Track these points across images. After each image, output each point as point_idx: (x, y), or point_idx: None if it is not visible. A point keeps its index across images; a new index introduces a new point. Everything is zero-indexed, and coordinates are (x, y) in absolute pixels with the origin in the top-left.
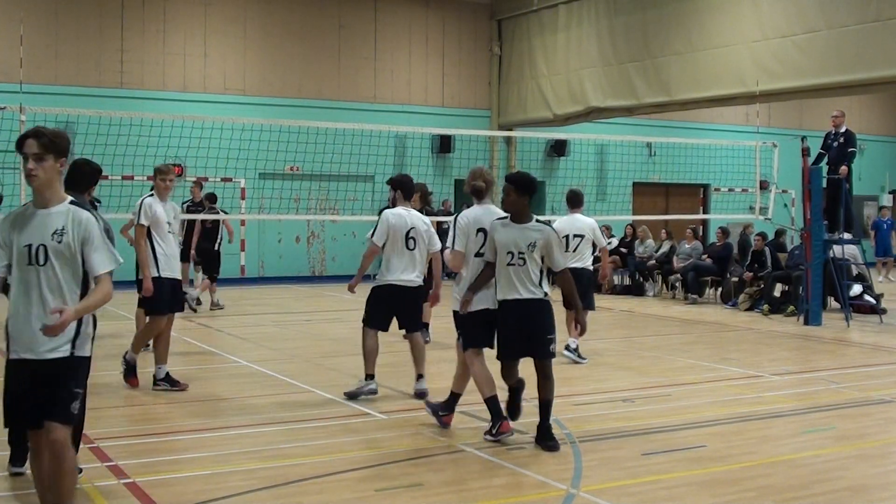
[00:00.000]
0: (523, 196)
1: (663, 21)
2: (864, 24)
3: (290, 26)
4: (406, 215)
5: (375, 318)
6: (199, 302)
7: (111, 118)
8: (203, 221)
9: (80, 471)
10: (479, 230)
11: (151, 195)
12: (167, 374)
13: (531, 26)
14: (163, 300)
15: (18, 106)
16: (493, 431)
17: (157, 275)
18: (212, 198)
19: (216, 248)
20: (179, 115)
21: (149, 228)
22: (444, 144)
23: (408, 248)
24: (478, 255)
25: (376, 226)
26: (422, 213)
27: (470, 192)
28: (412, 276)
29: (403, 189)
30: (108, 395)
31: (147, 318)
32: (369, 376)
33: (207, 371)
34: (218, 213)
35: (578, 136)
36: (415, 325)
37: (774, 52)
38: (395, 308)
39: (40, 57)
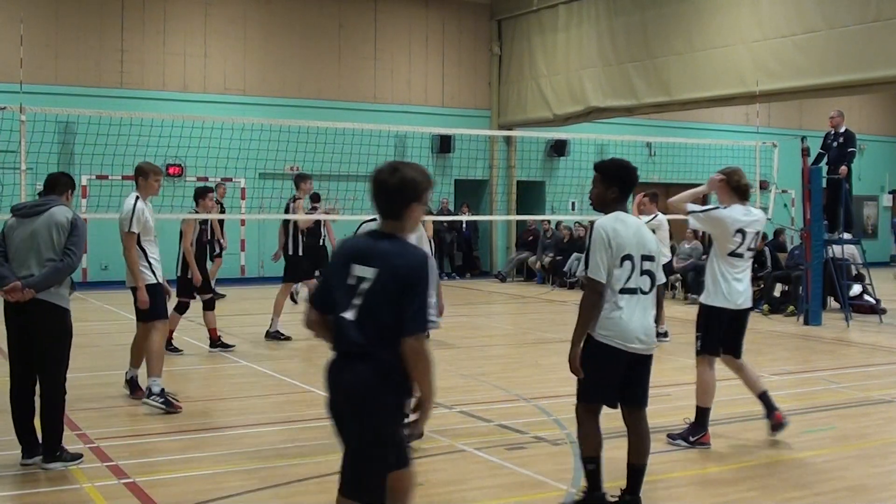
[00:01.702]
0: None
1: (663, 21)
2: (864, 24)
3: (290, 26)
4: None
5: None
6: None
7: (111, 118)
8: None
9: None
10: (737, 231)
11: (138, 197)
12: (163, 390)
13: (531, 26)
14: (164, 304)
15: (18, 106)
16: (692, 439)
17: (155, 281)
18: (315, 197)
19: (321, 244)
20: (179, 115)
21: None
22: (444, 144)
23: None
24: (733, 254)
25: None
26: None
27: (734, 189)
28: None
29: None
30: (108, 395)
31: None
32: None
33: (207, 371)
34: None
35: (578, 136)
36: None
37: (774, 52)
38: None
39: (40, 57)
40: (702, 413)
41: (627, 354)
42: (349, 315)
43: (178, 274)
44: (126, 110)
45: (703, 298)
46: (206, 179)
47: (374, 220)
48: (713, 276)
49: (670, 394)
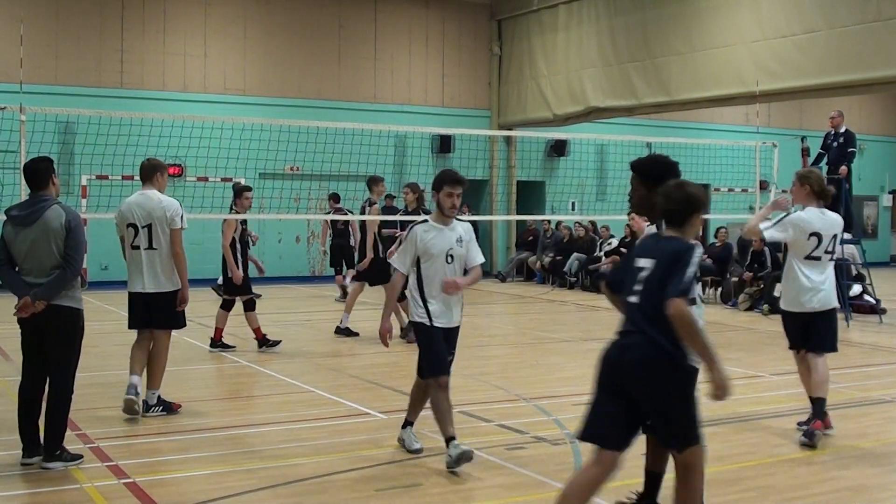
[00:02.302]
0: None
1: (663, 21)
2: (864, 24)
3: (290, 26)
4: None
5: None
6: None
7: (111, 118)
8: (335, 222)
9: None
10: (812, 234)
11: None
12: (159, 397)
13: (531, 26)
14: (183, 311)
15: (18, 106)
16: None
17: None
18: (336, 198)
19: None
20: (179, 115)
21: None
22: (444, 144)
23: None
24: (810, 257)
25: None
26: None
27: (817, 192)
28: None
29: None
30: (108, 395)
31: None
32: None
33: (207, 371)
34: (345, 213)
35: (578, 136)
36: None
37: (774, 52)
38: None
39: (40, 57)
40: (814, 402)
41: None
42: (633, 299)
43: (228, 274)
44: (126, 110)
45: (780, 302)
46: (206, 179)
47: (424, 220)
48: (787, 279)
49: None
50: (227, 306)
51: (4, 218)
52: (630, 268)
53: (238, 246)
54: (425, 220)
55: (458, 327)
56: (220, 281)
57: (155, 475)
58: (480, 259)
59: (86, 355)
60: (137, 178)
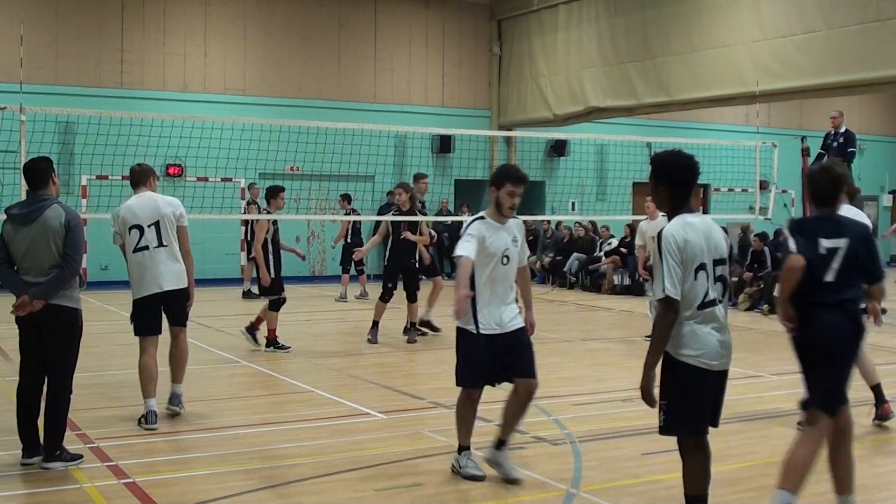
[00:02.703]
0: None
1: (663, 21)
2: (864, 24)
3: (290, 26)
4: None
5: None
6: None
7: (111, 118)
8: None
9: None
10: None
11: None
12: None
13: (531, 26)
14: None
15: (18, 106)
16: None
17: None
18: (347, 198)
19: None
20: (179, 115)
21: None
22: (444, 144)
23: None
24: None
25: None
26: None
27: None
28: None
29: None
30: (107, 395)
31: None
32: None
33: (207, 371)
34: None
35: (578, 136)
36: None
37: (774, 52)
38: None
39: (40, 57)
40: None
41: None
42: (829, 277)
43: (273, 274)
44: (126, 110)
45: None
46: (206, 179)
47: (481, 217)
48: None
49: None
50: (273, 306)
51: (4, 217)
52: (811, 247)
53: (270, 247)
54: (482, 217)
55: (514, 331)
56: (247, 286)
57: (155, 475)
58: (527, 253)
59: (86, 355)
60: None
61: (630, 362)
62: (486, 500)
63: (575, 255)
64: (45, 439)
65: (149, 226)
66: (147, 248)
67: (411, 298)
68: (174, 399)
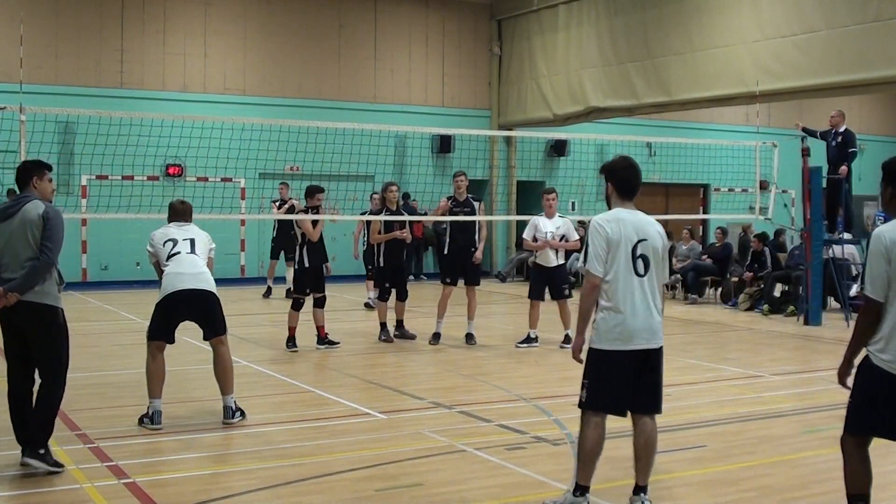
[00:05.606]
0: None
1: (663, 21)
2: (864, 24)
3: (290, 26)
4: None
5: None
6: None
7: (111, 118)
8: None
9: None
10: None
11: None
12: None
13: (531, 26)
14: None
15: (18, 106)
16: None
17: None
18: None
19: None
20: (179, 115)
21: None
22: (444, 144)
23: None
24: None
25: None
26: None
27: None
28: None
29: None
30: (107, 395)
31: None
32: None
33: (208, 371)
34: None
35: (578, 136)
36: None
37: (774, 52)
38: None
39: (40, 57)
40: None
41: None
42: None
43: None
44: (126, 110)
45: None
46: (205, 179)
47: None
48: None
49: (670, 394)
50: (296, 306)
51: None
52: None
53: (306, 245)
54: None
55: (655, 349)
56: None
57: (155, 475)
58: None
59: (86, 355)
60: (137, 177)
61: None
62: (487, 500)
63: (575, 254)
64: (31, 435)
65: (184, 240)
66: (179, 253)
67: (401, 296)
68: (228, 412)
